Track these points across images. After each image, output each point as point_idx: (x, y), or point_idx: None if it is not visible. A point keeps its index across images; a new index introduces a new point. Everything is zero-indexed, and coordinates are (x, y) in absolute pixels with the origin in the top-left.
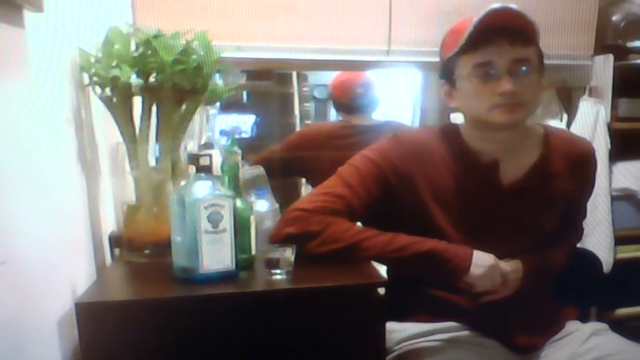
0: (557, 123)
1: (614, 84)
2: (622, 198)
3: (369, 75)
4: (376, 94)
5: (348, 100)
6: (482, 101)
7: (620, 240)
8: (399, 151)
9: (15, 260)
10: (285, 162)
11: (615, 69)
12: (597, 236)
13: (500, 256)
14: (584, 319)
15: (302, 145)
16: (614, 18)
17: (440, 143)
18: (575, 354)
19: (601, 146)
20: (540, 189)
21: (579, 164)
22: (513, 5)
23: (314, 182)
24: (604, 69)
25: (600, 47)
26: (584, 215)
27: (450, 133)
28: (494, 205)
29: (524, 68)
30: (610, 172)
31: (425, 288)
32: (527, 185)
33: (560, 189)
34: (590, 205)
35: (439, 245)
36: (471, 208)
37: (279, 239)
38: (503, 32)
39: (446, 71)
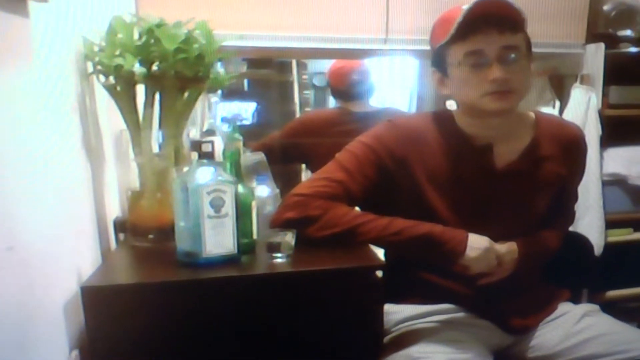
0: (549, 110)
1: (605, 71)
2: (612, 183)
3: (365, 62)
4: (372, 81)
5: (344, 87)
6: (474, 89)
7: (610, 224)
8: (394, 136)
9: (22, 245)
10: (286, 148)
11: (606, 57)
12: (589, 220)
13: (494, 238)
14: (576, 300)
15: (301, 131)
16: (605, 7)
17: (435, 128)
18: (568, 334)
19: (592, 132)
20: (532, 172)
21: (569, 148)
22: None
23: (313, 168)
24: (595, 57)
25: (592, 36)
26: (575, 199)
27: (444, 118)
28: (488, 188)
29: (513, 55)
30: (601, 157)
31: (421, 271)
32: (520, 169)
33: (552, 172)
34: (581, 189)
35: (435, 228)
36: (466, 191)
37: (280, 224)
38: (491, 21)
39: (437, 60)
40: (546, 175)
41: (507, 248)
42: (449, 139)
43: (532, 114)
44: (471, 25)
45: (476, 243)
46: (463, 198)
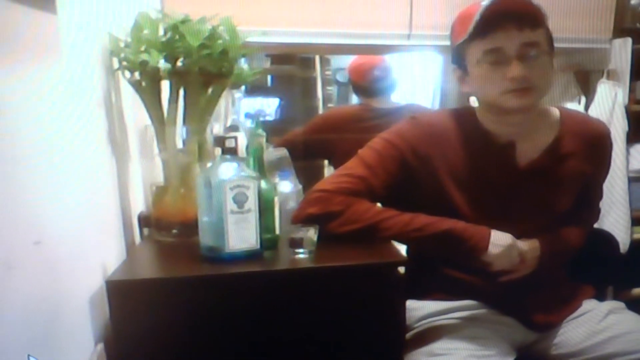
0: (575, 106)
1: (632, 67)
2: (639, 179)
3: (386, 58)
4: (394, 76)
5: (366, 83)
6: (494, 87)
7: (636, 220)
8: (417, 133)
9: (49, 240)
10: (309, 144)
11: (633, 52)
12: (614, 216)
13: (517, 235)
14: (600, 297)
15: (324, 128)
16: (633, 2)
17: (457, 125)
18: (592, 332)
19: (619, 128)
20: (556, 169)
21: (594, 145)
22: None
23: (336, 164)
24: (622, 52)
25: (619, 31)
26: (601, 196)
27: (466, 115)
28: (510, 185)
29: (533, 52)
30: (628, 153)
31: (444, 267)
32: (544, 166)
33: (576, 169)
34: (607, 186)
35: (457, 225)
36: (488, 188)
37: (302, 219)
38: (510, 17)
39: (457, 57)
40: (570, 173)
41: (530, 245)
42: (471, 136)
43: (556, 111)
44: (489, 23)
45: (499, 240)
46: (485, 195)
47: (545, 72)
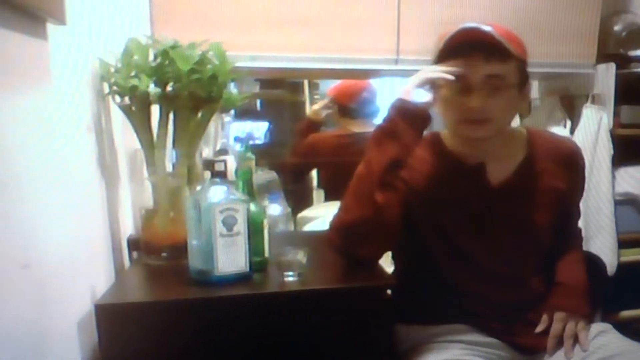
0: (560, 130)
1: (616, 91)
2: (625, 202)
3: (372, 82)
4: (377, 102)
5: (355, 105)
6: (453, 113)
7: (623, 243)
8: None
9: (38, 263)
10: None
11: (617, 77)
12: (601, 240)
13: (504, 253)
14: None
15: (308, 155)
16: (616, 28)
17: (425, 148)
18: (581, 355)
19: (604, 152)
20: (529, 187)
21: (565, 163)
22: (484, 27)
23: (324, 183)
24: (606, 77)
25: (603, 56)
26: (578, 216)
27: (433, 140)
28: (485, 205)
29: (497, 84)
30: (613, 177)
31: (432, 291)
32: (516, 184)
33: (549, 186)
34: (594, 209)
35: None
36: (465, 210)
37: (343, 251)
38: (478, 48)
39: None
40: (544, 190)
41: None
42: (440, 161)
43: (523, 130)
44: (455, 50)
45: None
46: (464, 216)
47: (508, 105)
